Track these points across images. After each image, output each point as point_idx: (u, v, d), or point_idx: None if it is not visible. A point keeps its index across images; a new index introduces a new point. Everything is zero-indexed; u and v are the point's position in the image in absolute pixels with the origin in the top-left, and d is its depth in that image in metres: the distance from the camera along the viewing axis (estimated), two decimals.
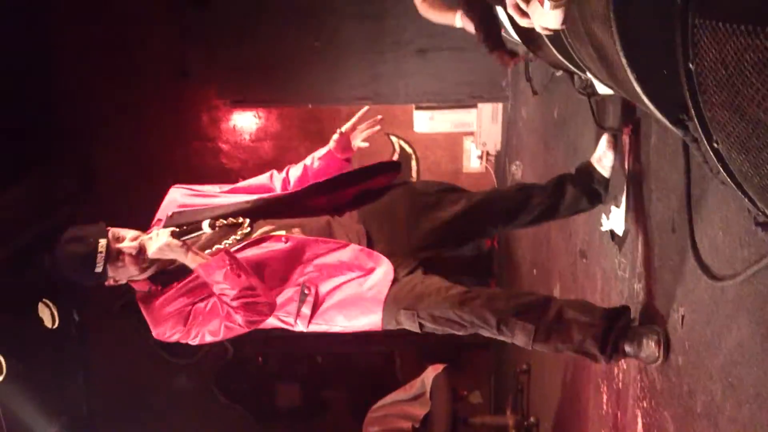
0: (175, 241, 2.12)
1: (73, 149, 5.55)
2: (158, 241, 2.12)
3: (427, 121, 5.40)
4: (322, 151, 2.45)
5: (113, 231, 2.16)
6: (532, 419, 4.04)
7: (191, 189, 2.43)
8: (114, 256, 2.12)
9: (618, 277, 2.41)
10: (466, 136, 5.70)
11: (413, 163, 5.91)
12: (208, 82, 5.56)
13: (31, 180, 5.01)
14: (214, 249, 2.19)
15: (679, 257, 1.87)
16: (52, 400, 4.77)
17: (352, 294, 2.22)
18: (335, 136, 2.43)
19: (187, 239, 2.19)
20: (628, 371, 2.28)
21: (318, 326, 2.27)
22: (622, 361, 2.24)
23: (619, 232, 2.39)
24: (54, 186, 5.36)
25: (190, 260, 2.13)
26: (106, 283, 2.19)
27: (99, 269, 2.10)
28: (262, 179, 2.54)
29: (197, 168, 5.96)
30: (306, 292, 2.22)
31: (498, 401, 5.32)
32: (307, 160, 2.46)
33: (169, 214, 2.31)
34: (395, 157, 5.93)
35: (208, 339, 2.23)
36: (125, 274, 2.18)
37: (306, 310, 2.22)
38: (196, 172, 5.94)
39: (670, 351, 1.91)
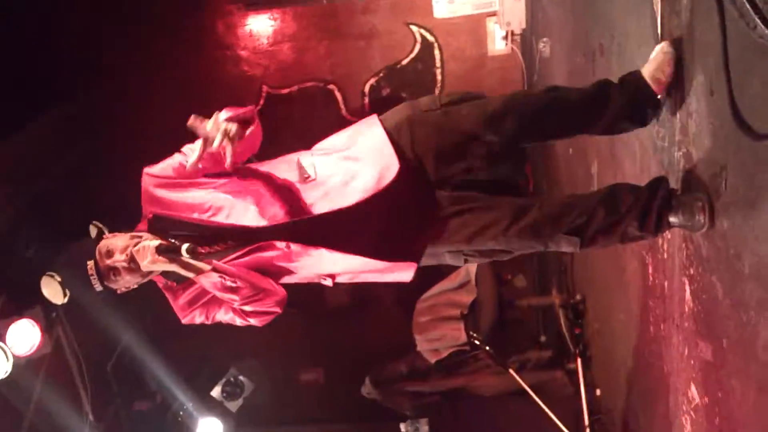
0: (162, 259, 2.01)
1: (96, 75, 5.52)
2: (145, 258, 2.01)
3: (447, 6, 5.21)
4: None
5: (101, 246, 2.06)
6: (578, 296, 4.09)
7: (159, 178, 2.15)
8: (107, 273, 2.05)
9: (657, 147, 2.36)
10: (488, 17, 5.49)
11: (436, 52, 5.75)
12: None
13: (57, 109, 5.02)
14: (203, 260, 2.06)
15: (719, 120, 1.82)
16: (116, 319, 4.96)
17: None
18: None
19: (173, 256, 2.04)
20: (673, 240, 2.27)
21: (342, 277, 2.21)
22: (667, 231, 2.23)
23: None
24: (79, 113, 5.38)
25: (183, 273, 2.04)
26: (119, 292, 2.14)
27: (99, 288, 2.05)
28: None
29: (220, 79, 5.90)
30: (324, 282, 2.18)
31: (542, 283, 5.38)
32: None
33: (149, 216, 2.15)
34: (417, 48, 5.77)
35: (238, 322, 2.21)
36: (129, 282, 2.11)
37: (327, 281, 2.18)
38: (219, 83, 5.89)
39: (715, 216, 1.89)
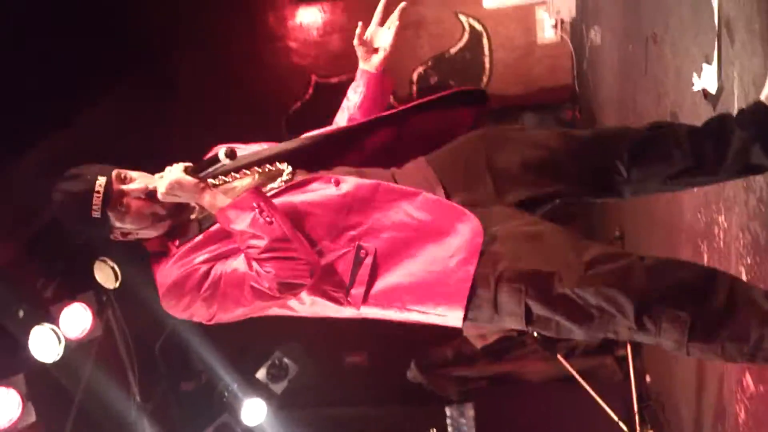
0: (188, 178, 1.70)
1: (148, 64, 5.65)
2: (169, 177, 1.71)
3: None
4: (357, 79, 2.06)
5: (120, 171, 1.78)
6: None
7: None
8: (115, 198, 1.74)
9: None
10: (538, 5, 5.48)
11: (485, 41, 5.76)
12: None
13: (117, 94, 5.12)
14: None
15: None
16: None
17: (428, 263, 1.68)
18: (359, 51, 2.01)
19: (206, 175, 1.75)
20: (730, 229, 2.27)
21: (373, 309, 1.74)
22: (722, 218, 2.23)
23: (713, 90, 2.31)
24: (138, 99, 5.48)
25: (207, 202, 1.70)
26: (112, 237, 1.81)
27: (96, 213, 1.72)
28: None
29: (270, 70, 6.01)
30: (362, 255, 1.70)
31: None
32: (347, 99, 2.10)
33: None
34: (465, 38, 5.79)
35: (230, 314, 1.74)
36: (133, 223, 1.78)
37: (361, 282, 1.70)
38: (270, 73, 6.00)
39: None
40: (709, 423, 2.81)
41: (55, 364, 3.51)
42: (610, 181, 1.82)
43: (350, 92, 2.07)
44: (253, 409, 5.07)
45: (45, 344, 3.44)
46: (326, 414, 6.27)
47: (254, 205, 1.65)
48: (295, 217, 1.71)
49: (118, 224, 1.78)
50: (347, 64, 5.82)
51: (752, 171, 1.80)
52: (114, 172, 1.77)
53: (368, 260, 1.69)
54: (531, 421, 4.17)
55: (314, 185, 1.78)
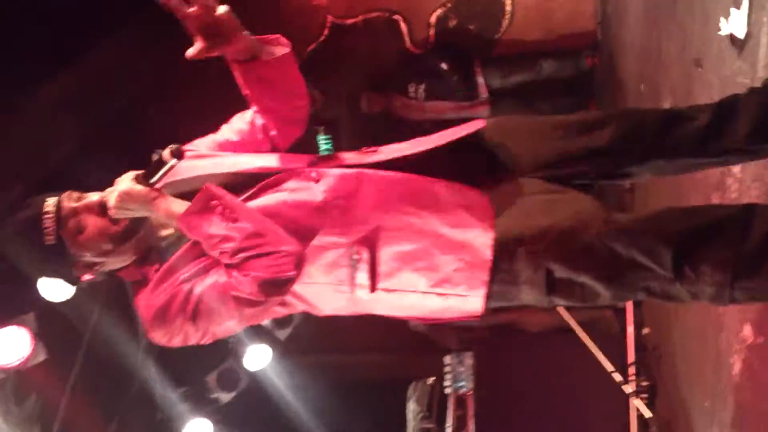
0: (138, 187, 1.53)
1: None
2: (117, 188, 1.55)
3: None
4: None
5: (71, 191, 1.61)
6: None
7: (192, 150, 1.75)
8: (69, 217, 1.56)
9: (738, 84, 2.29)
10: None
11: None
12: None
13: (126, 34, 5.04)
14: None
15: None
16: None
17: (439, 243, 1.56)
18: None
19: (158, 180, 1.57)
20: (744, 179, 2.24)
21: (390, 294, 1.61)
22: (737, 168, 2.18)
23: (740, 35, 2.26)
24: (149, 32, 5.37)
25: (164, 211, 1.53)
26: (78, 274, 1.63)
27: (50, 239, 1.53)
28: (236, 129, 1.84)
29: (285, 8, 5.80)
30: (356, 257, 1.57)
31: None
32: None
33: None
34: None
35: (224, 328, 1.57)
36: (93, 248, 1.59)
37: (362, 277, 1.58)
38: (285, 12, 5.80)
39: None
40: (703, 374, 2.83)
41: (65, 303, 3.55)
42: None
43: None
44: (257, 355, 5.14)
45: (55, 284, 3.47)
46: (329, 361, 6.36)
47: (213, 204, 1.49)
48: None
49: (76, 252, 1.59)
50: (363, 4, 5.75)
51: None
52: (65, 193, 1.60)
53: (363, 264, 1.56)
54: (529, 371, 4.22)
55: (289, 185, 1.61)
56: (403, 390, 5.21)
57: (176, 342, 1.59)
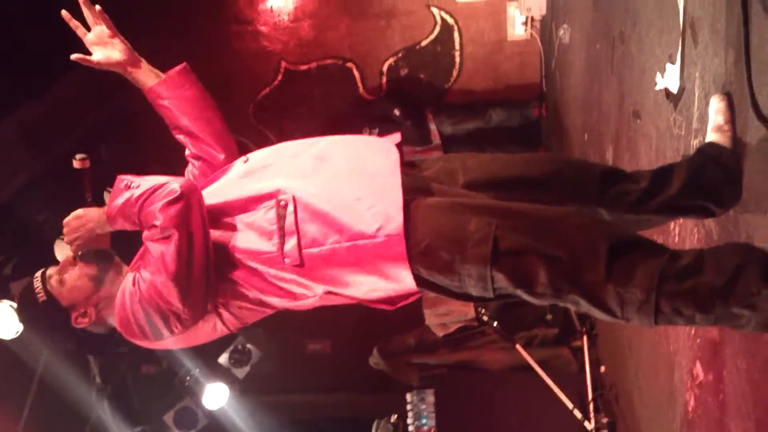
0: (78, 211, 1.81)
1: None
2: (66, 223, 1.80)
3: None
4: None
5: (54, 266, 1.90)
6: None
7: None
8: (50, 277, 1.84)
9: (674, 135, 2.42)
10: (509, 2, 5.55)
11: (456, 35, 5.81)
12: None
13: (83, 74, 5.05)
14: None
15: (738, 111, 1.90)
16: None
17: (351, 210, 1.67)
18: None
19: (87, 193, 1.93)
20: (685, 224, 2.35)
21: (316, 250, 1.67)
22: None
23: (674, 89, 2.37)
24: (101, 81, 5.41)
25: (97, 217, 1.78)
26: (75, 324, 1.84)
27: (42, 296, 1.82)
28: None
29: (239, 53, 5.98)
30: (282, 205, 1.70)
31: None
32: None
33: None
34: (436, 31, 5.81)
35: (175, 291, 1.67)
36: (80, 293, 1.83)
37: (290, 230, 1.68)
38: (238, 57, 5.96)
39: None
40: (660, 411, 2.90)
41: (14, 341, 3.49)
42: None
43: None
44: (215, 394, 5.09)
45: (4, 321, 3.41)
46: (288, 400, 6.30)
47: (123, 185, 1.71)
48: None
49: (67, 303, 1.82)
50: (317, 51, 5.89)
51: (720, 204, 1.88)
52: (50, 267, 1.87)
53: (290, 208, 1.67)
54: (489, 408, 4.26)
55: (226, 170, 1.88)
56: (366, 428, 5.20)
57: (170, 336, 1.72)
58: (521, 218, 1.62)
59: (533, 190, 1.82)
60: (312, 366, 6.33)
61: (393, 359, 4.77)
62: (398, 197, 1.66)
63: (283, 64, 5.95)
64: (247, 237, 1.72)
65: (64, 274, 1.84)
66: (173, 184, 1.67)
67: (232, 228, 1.74)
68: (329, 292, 1.73)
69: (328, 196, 1.69)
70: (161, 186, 1.67)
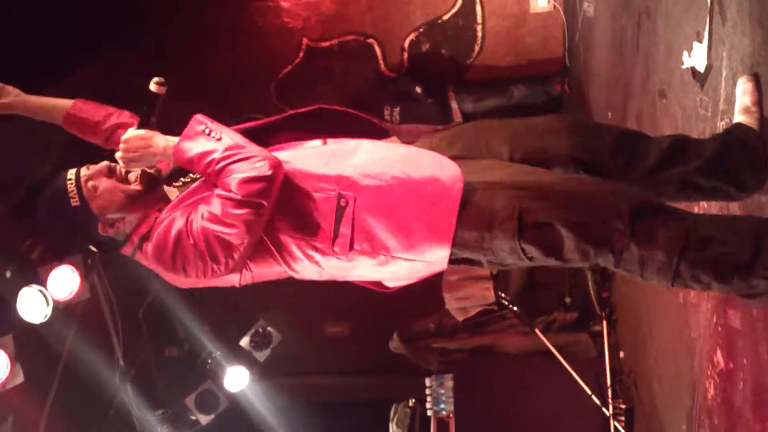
0: (135, 132, 1.79)
1: (142, 23, 5.54)
2: (124, 138, 1.79)
3: None
4: None
5: (87, 165, 1.87)
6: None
7: None
8: (86, 182, 1.81)
9: (700, 116, 2.36)
10: None
11: (477, 8, 5.66)
12: None
13: (109, 53, 5.05)
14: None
15: (766, 92, 1.82)
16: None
17: (411, 210, 1.69)
18: None
19: (154, 114, 1.85)
20: (709, 210, 2.28)
21: (361, 258, 1.73)
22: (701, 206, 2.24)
23: (701, 68, 2.31)
24: (129, 58, 5.40)
25: (162, 147, 1.77)
26: (101, 230, 1.82)
27: (75, 201, 1.79)
28: None
29: (261, 29, 5.91)
30: (342, 204, 1.71)
31: None
32: None
33: None
34: (458, 4, 5.69)
35: (224, 251, 1.69)
36: (108, 206, 1.81)
37: (345, 228, 1.70)
38: (260, 33, 5.89)
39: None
40: (678, 397, 2.86)
41: (42, 325, 3.53)
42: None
43: None
44: (236, 377, 5.12)
45: (33, 305, 3.45)
46: (308, 382, 6.35)
47: (201, 129, 1.71)
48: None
49: (98, 211, 1.80)
50: (338, 27, 5.81)
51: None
52: (82, 167, 1.85)
53: (349, 209, 1.69)
54: (508, 393, 4.24)
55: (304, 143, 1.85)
56: (385, 411, 5.21)
57: (193, 277, 1.74)
58: (545, 189, 1.67)
59: (556, 161, 1.84)
60: (331, 349, 6.33)
61: (413, 343, 4.75)
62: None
63: (305, 41, 5.87)
64: (300, 217, 1.73)
65: (100, 181, 1.82)
66: (261, 159, 1.67)
67: (288, 203, 1.73)
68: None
69: (389, 206, 1.71)
70: (249, 157, 1.67)
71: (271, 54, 5.89)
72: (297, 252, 1.74)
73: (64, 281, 3.71)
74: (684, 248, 1.55)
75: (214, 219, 1.67)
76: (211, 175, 1.70)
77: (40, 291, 3.47)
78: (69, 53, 4.33)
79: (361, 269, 1.77)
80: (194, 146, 1.70)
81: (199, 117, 1.74)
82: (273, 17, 5.91)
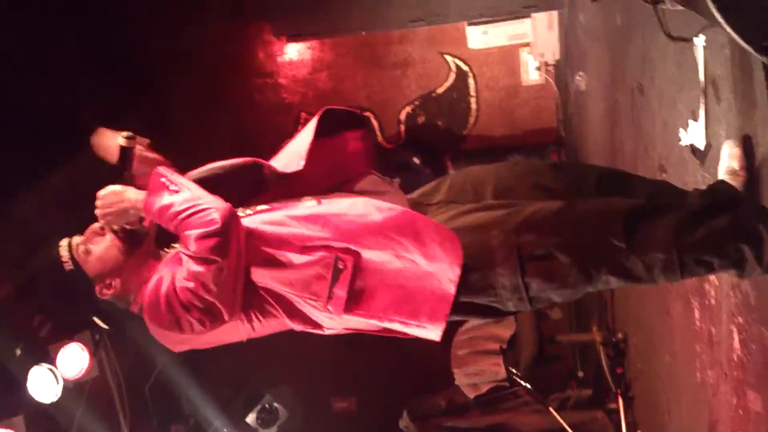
0: (110, 187, 1.81)
1: (143, 93, 5.59)
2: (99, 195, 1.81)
3: (481, 36, 5.30)
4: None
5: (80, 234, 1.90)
6: (620, 335, 3.98)
7: None
8: (77, 246, 1.85)
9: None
10: (522, 48, 5.57)
11: (470, 81, 5.82)
12: (260, 18, 5.54)
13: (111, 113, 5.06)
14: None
15: (765, 169, 1.84)
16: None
17: (409, 276, 1.72)
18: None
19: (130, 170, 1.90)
20: (720, 287, 2.28)
21: (355, 318, 1.76)
22: (712, 276, 2.24)
23: (700, 146, 2.34)
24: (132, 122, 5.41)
25: (133, 201, 1.78)
26: (98, 294, 1.85)
27: (69, 266, 1.83)
28: None
29: (259, 105, 6.02)
30: (340, 267, 1.71)
31: (579, 318, 5.32)
32: None
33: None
34: (451, 78, 5.83)
35: (197, 313, 1.70)
36: (105, 264, 1.84)
37: (340, 291, 1.71)
38: (259, 109, 6.00)
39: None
40: None
41: (52, 404, 3.48)
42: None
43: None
44: None
45: (43, 385, 3.41)
46: None
47: (162, 181, 1.73)
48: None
49: (92, 273, 1.84)
50: (335, 102, 5.89)
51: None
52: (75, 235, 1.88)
53: (346, 273, 1.71)
54: None
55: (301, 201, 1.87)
56: None
57: (188, 332, 1.72)
58: (538, 220, 1.72)
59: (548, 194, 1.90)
60: (338, 425, 6.21)
61: (423, 422, 4.62)
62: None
63: (303, 115, 5.99)
64: (295, 275, 1.74)
65: (91, 244, 1.85)
66: (213, 212, 1.66)
67: (283, 260, 1.73)
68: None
69: (387, 272, 1.73)
70: (201, 211, 1.67)
71: (270, 128, 5.99)
72: (296, 304, 1.77)
73: (74, 359, 3.70)
74: (677, 237, 1.63)
75: (186, 275, 1.68)
76: (171, 228, 1.72)
77: (50, 370, 3.47)
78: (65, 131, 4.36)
79: (354, 324, 1.81)
80: (157, 200, 1.73)
81: (159, 169, 1.77)
82: (271, 93, 6.04)
